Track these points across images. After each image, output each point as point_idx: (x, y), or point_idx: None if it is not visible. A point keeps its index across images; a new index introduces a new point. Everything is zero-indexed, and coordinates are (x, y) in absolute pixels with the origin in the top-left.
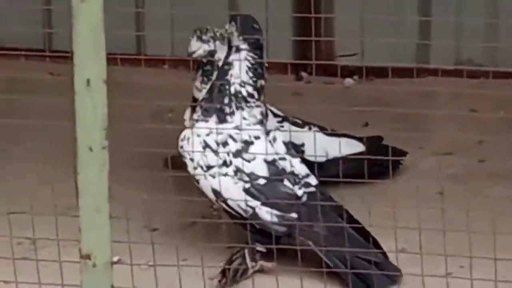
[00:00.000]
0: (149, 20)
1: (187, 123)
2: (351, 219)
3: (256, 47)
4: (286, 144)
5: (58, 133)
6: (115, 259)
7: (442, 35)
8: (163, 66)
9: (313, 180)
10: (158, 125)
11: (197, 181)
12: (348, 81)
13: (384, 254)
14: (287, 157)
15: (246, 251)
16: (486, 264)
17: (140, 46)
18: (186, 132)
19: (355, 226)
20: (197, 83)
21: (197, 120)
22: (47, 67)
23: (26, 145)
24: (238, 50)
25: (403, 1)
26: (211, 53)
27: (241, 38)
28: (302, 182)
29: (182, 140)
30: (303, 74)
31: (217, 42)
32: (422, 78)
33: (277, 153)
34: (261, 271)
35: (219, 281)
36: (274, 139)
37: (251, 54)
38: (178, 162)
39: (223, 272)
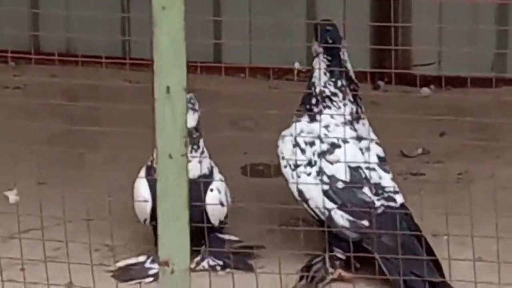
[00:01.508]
0: (227, 28)
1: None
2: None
3: (330, 49)
4: (381, 158)
5: (137, 141)
6: (192, 265)
7: None
8: (241, 75)
9: (399, 198)
10: (237, 133)
11: (286, 180)
12: (425, 90)
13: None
14: (378, 168)
15: (326, 256)
16: None
17: (219, 54)
18: (284, 132)
19: (422, 245)
20: None
21: (292, 122)
22: (125, 75)
23: (104, 153)
24: (317, 54)
25: (480, 10)
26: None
27: (317, 43)
28: (386, 195)
29: (279, 139)
30: (381, 83)
31: None
32: (499, 88)
33: (366, 162)
34: (339, 280)
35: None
36: (368, 149)
37: (326, 56)
38: (257, 170)
39: (301, 278)
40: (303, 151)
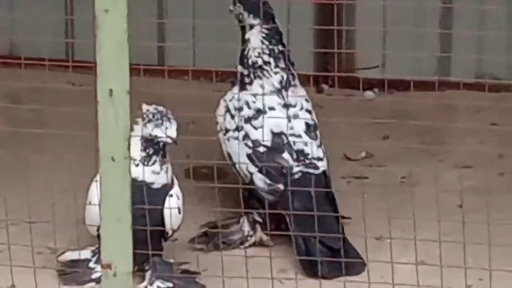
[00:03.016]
0: (171, 31)
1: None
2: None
3: (268, 18)
4: (309, 125)
5: (80, 143)
6: None
7: (463, 49)
8: (184, 78)
9: (323, 167)
10: (180, 137)
11: (220, 145)
12: (369, 93)
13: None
14: (304, 135)
15: (244, 218)
16: (506, 277)
17: (162, 57)
18: (221, 100)
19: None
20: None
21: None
22: (68, 77)
23: (48, 155)
24: (251, 27)
25: (425, 14)
26: (239, 18)
27: (251, 15)
28: (307, 162)
29: (217, 107)
30: (324, 86)
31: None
32: (443, 91)
33: (291, 128)
34: (259, 243)
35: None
36: (296, 116)
37: (265, 26)
38: (200, 173)
39: (205, 233)
40: (232, 116)
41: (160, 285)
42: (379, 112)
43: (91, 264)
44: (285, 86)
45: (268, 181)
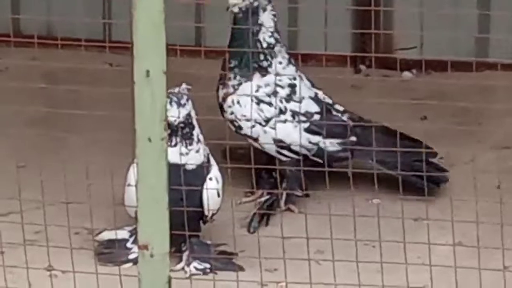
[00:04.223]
0: (208, 11)
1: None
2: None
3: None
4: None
5: (117, 124)
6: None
7: (501, 29)
8: (222, 58)
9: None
10: (216, 117)
11: (256, 139)
12: (406, 74)
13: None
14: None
15: (283, 194)
16: None
17: (199, 37)
18: (233, 98)
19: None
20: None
21: (239, 84)
22: (105, 58)
23: (84, 136)
24: (264, 10)
25: None
26: (253, 7)
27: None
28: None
29: (231, 106)
30: (362, 67)
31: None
32: (481, 72)
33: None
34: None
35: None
36: (301, 77)
37: (272, 4)
38: (236, 154)
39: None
40: (269, 104)
41: (197, 266)
42: (417, 93)
43: (129, 244)
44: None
45: (339, 140)
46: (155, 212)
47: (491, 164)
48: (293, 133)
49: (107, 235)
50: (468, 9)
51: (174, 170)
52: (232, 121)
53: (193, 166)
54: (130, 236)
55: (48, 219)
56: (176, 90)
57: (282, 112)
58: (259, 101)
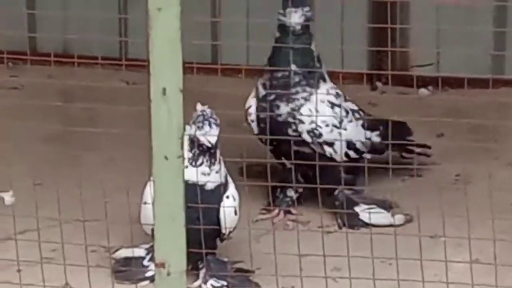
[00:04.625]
0: (224, 29)
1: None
2: None
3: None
4: None
5: (134, 142)
6: None
7: None
8: (238, 75)
9: None
10: (234, 134)
11: (331, 144)
12: (423, 91)
13: None
14: None
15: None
16: None
17: (215, 55)
18: (309, 107)
19: None
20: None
21: (310, 94)
22: (121, 75)
23: (101, 153)
24: (307, 19)
25: (479, 11)
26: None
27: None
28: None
29: (310, 115)
30: (378, 84)
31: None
32: (497, 89)
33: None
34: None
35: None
36: None
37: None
38: (253, 171)
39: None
40: (339, 106)
41: (214, 283)
42: (433, 110)
43: (145, 262)
44: None
45: (378, 132)
46: (172, 230)
47: (507, 181)
48: (358, 132)
49: (124, 253)
50: (484, 26)
51: (194, 189)
52: (311, 131)
53: (212, 187)
54: (147, 254)
55: (65, 237)
56: (199, 110)
57: (347, 112)
58: (333, 105)
